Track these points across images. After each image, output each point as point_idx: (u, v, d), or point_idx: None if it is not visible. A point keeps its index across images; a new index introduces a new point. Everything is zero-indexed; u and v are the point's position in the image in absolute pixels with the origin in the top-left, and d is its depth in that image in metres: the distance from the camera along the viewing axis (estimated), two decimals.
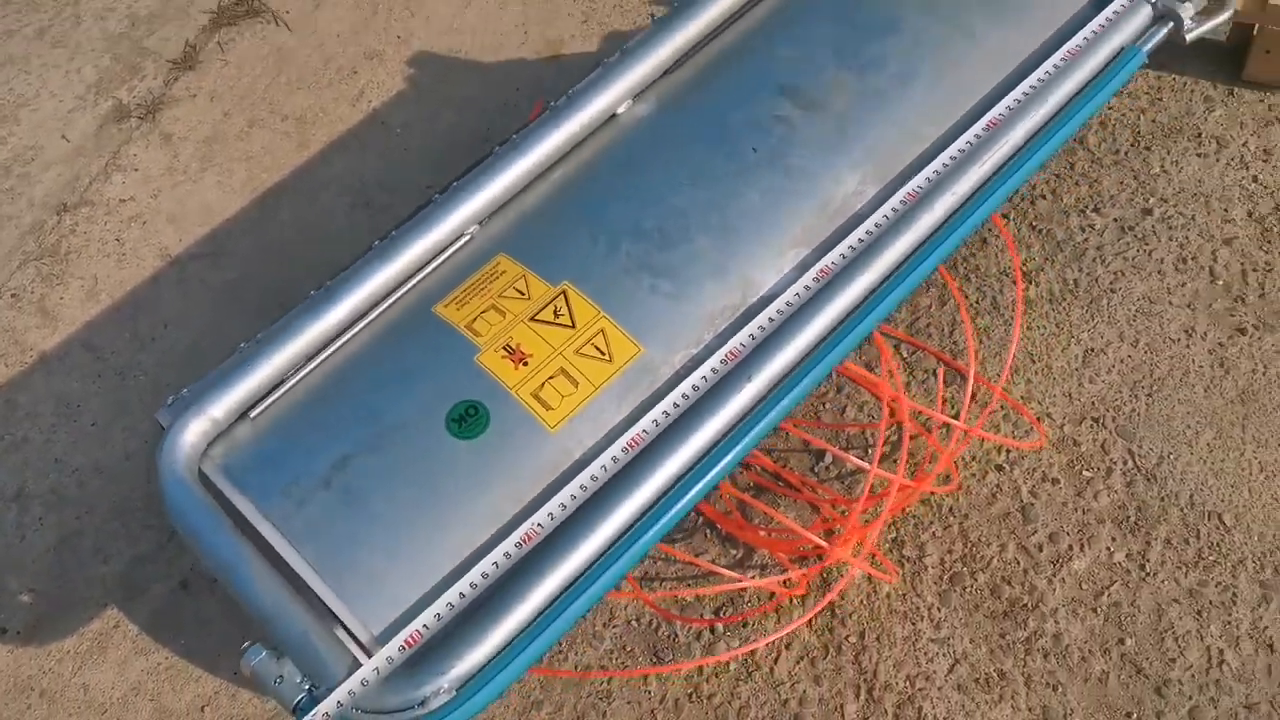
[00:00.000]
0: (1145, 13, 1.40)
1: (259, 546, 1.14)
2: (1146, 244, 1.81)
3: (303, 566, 1.10)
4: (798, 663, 1.54)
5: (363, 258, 1.31)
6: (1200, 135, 1.91)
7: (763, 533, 1.63)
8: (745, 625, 1.58)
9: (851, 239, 1.26)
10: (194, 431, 1.22)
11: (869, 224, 1.28)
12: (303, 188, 2.15)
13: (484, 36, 2.32)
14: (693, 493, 1.13)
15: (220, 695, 1.62)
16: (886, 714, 1.48)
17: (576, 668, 1.57)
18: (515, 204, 1.38)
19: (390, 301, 1.30)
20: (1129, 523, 1.58)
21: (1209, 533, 1.56)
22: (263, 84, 2.31)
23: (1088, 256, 1.82)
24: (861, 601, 1.57)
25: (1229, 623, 1.49)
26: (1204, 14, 1.43)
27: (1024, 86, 1.35)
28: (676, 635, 1.59)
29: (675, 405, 1.17)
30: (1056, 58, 1.36)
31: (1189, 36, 1.40)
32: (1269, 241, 1.78)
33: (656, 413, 1.17)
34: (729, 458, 1.14)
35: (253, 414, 1.25)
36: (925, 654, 1.52)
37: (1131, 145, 1.93)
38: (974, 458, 1.66)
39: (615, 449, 1.14)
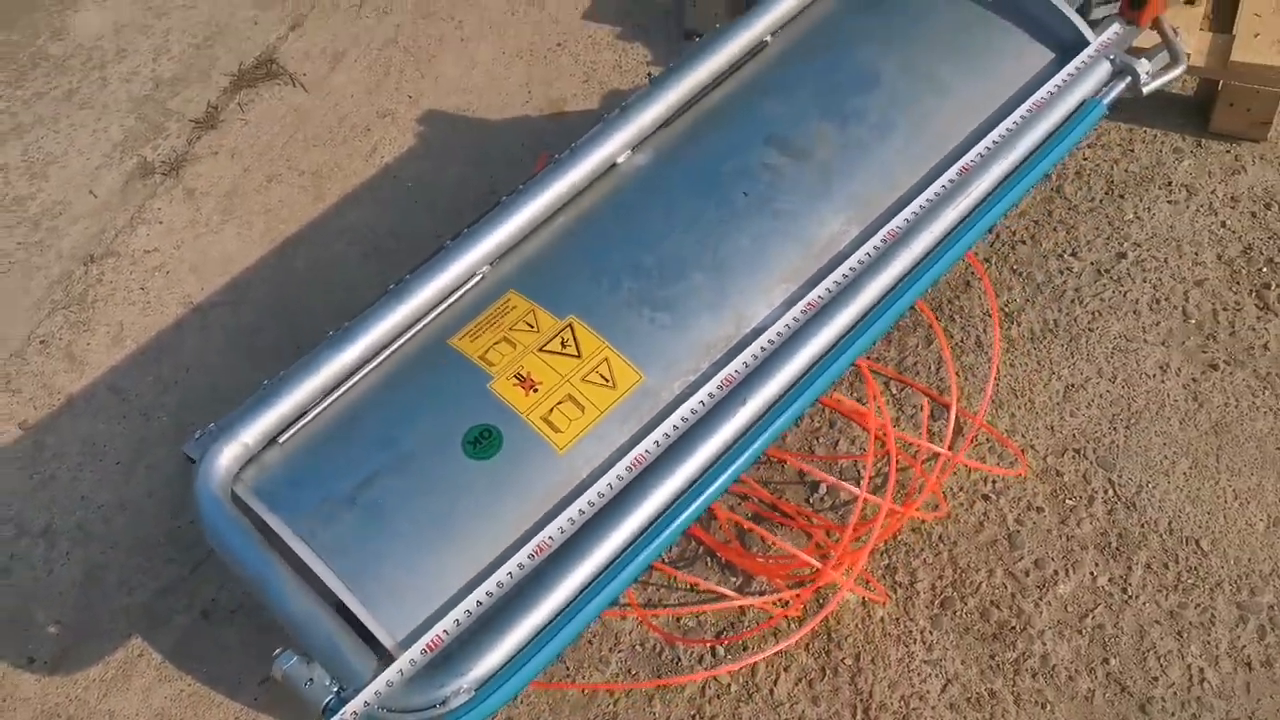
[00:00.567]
0: (1104, 69, 1.51)
1: (289, 561, 1.22)
2: (1122, 285, 1.91)
3: (331, 578, 1.18)
4: (796, 684, 1.60)
5: (381, 298, 1.41)
6: (1171, 184, 2.02)
7: (760, 559, 1.71)
8: (745, 648, 1.65)
9: (836, 275, 1.36)
10: (227, 456, 1.30)
11: (852, 261, 1.38)
12: (318, 238, 2.25)
13: (490, 96, 2.44)
14: (693, 507, 1.21)
15: (242, 718, 1.68)
16: None
17: (584, 692, 1.63)
18: (524, 246, 1.48)
19: (408, 336, 1.40)
20: (1111, 548, 1.65)
21: (1187, 557, 1.63)
22: (280, 141, 2.43)
23: (1066, 297, 1.91)
24: (857, 625, 1.64)
25: (1208, 642, 1.56)
26: (1159, 69, 1.55)
27: (993, 135, 1.45)
28: (679, 659, 1.66)
29: (675, 427, 1.26)
30: (1023, 109, 1.47)
31: (1145, 89, 1.51)
32: (1238, 283, 1.88)
33: (658, 434, 1.26)
34: (727, 474, 1.23)
35: (281, 439, 1.33)
36: (919, 675, 1.59)
37: (1106, 194, 2.03)
38: (961, 488, 1.74)
39: (620, 468, 1.23)
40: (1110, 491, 1.71)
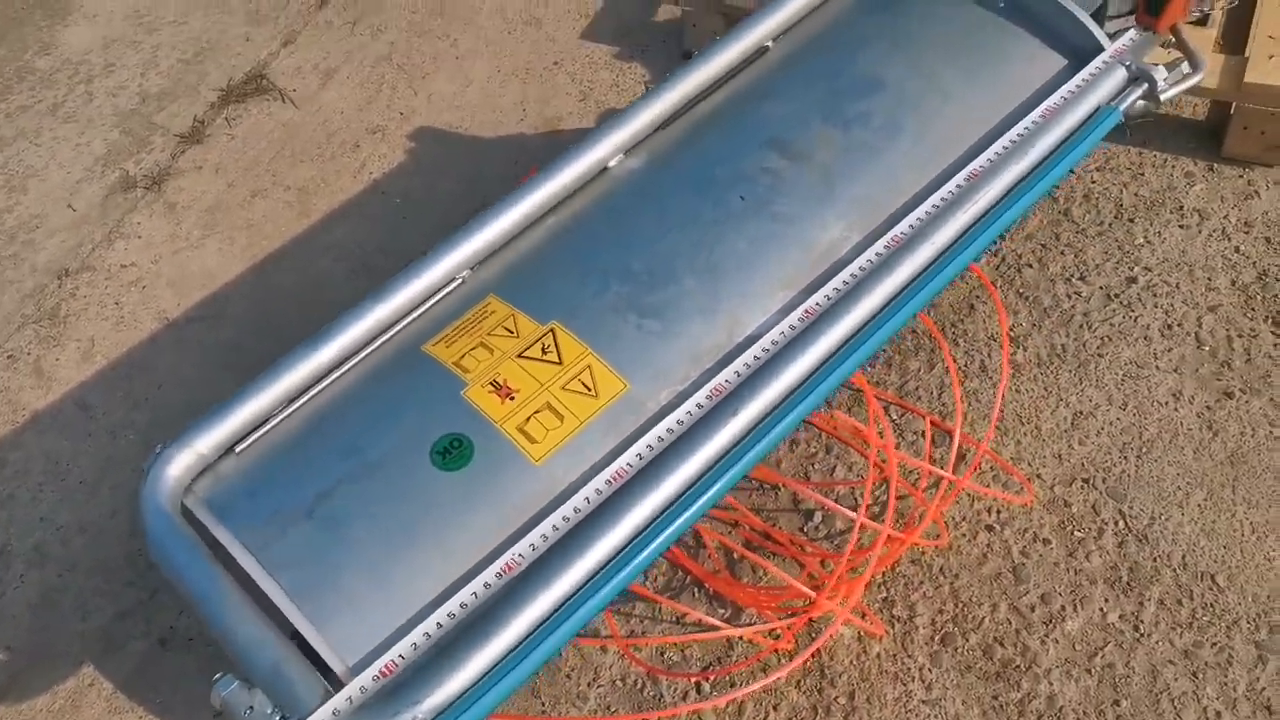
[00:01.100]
0: (1120, 75, 1.44)
1: (238, 578, 1.13)
2: (1132, 311, 1.83)
3: (278, 594, 1.09)
4: None
5: (356, 302, 1.33)
6: (1183, 208, 1.95)
7: (749, 589, 1.61)
8: (733, 684, 1.55)
9: (836, 281, 1.28)
10: (178, 465, 1.22)
11: (853, 268, 1.30)
12: (303, 253, 2.18)
13: (484, 114, 2.38)
14: (676, 525, 1.12)
15: None
16: None
17: None
18: (507, 251, 1.41)
19: (380, 342, 1.31)
20: (1121, 583, 1.56)
21: (1202, 593, 1.54)
22: (267, 156, 2.36)
23: (1074, 322, 1.83)
24: (851, 662, 1.54)
25: (1225, 684, 1.46)
26: (1177, 78, 1.48)
27: (1004, 141, 1.38)
28: (662, 695, 1.56)
29: (660, 439, 1.17)
30: (1035, 114, 1.40)
31: (1163, 96, 1.44)
32: (1253, 309, 1.80)
33: (640, 446, 1.17)
34: (713, 491, 1.14)
35: (239, 448, 1.25)
36: (916, 716, 1.49)
37: (1115, 217, 1.96)
38: (964, 518, 1.65)
39: (598, 482, 1.14)
40: (1121, 523, 1.61)
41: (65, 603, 1.77)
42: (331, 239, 2.20)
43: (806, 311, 1.26)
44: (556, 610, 1.07)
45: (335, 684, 1.07)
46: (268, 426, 1.25)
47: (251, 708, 1.05)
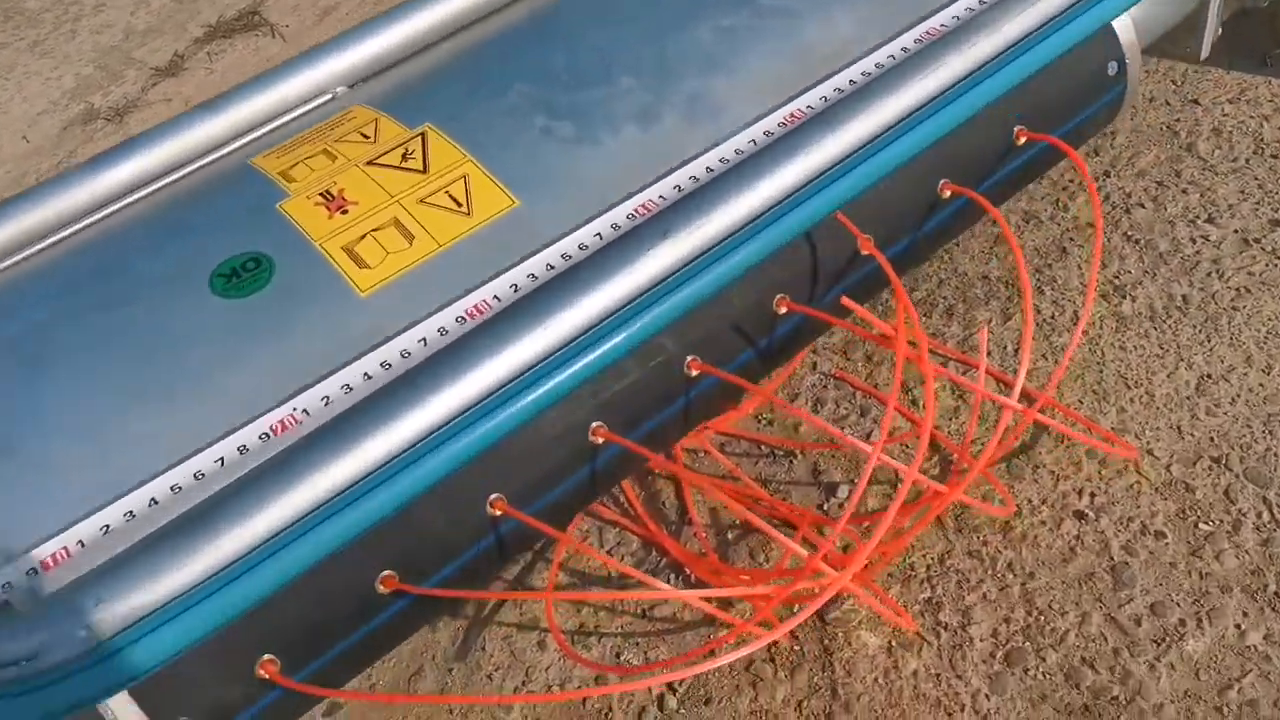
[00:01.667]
0: None
1: None
2: (1277, 258, 1.39)
3: None
4: None
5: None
6: None
7: (745, 577, 1.19)
8: (708, 700, 1.12)
9: (838, 80, 0.89)
10: None
11: (858, 69, 0.90)
12: None
13: None
14: (550, 384, 0.73)
15: None
16: None
17: None
18: (406, 65, 1.05)
19: (202, 163, 0.96)
20: (1266, 593, 1.10)
21: None
22: None
23: (1200, 270, 1.40)
24: (876, 680, 1.10)
25: None
26: None
27: None
28: (611, 710, 1.13)
29: (549, 267, 0.79)
30: None
31: None
32: None
33: (518, 274, 0.78)
34: (620, 339, 0.74)
35: None
36: None
37: (1254, 153, 1.53)
38: (1044, 500, 1.21)
39: (445, 317, 0.75)
40: (1266, 515, 1.16)
41: None
42: None
43: (791, 116, 0.87)
44: (342, 493, 0.68)
45: None
46: (24, 254, 0.90)
47: None
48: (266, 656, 0.84)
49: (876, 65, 0.93)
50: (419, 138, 0.88)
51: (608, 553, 1.25)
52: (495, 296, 0.78)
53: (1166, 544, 1.15)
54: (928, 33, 0.95)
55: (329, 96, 1.01)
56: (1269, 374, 1.27)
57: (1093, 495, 1.21)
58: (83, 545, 0.68)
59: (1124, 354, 1.33)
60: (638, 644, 1.17)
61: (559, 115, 0.89)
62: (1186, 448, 1.23)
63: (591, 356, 0.75)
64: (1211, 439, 1.23)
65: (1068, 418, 1.27)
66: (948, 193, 1.07)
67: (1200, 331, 1.33)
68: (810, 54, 0.96)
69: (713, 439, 1.32)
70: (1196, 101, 1.63)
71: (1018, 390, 1.00)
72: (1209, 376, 1.29)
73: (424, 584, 0.90)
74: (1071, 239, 1.47)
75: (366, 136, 0.89)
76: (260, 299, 0.78)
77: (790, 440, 1.31)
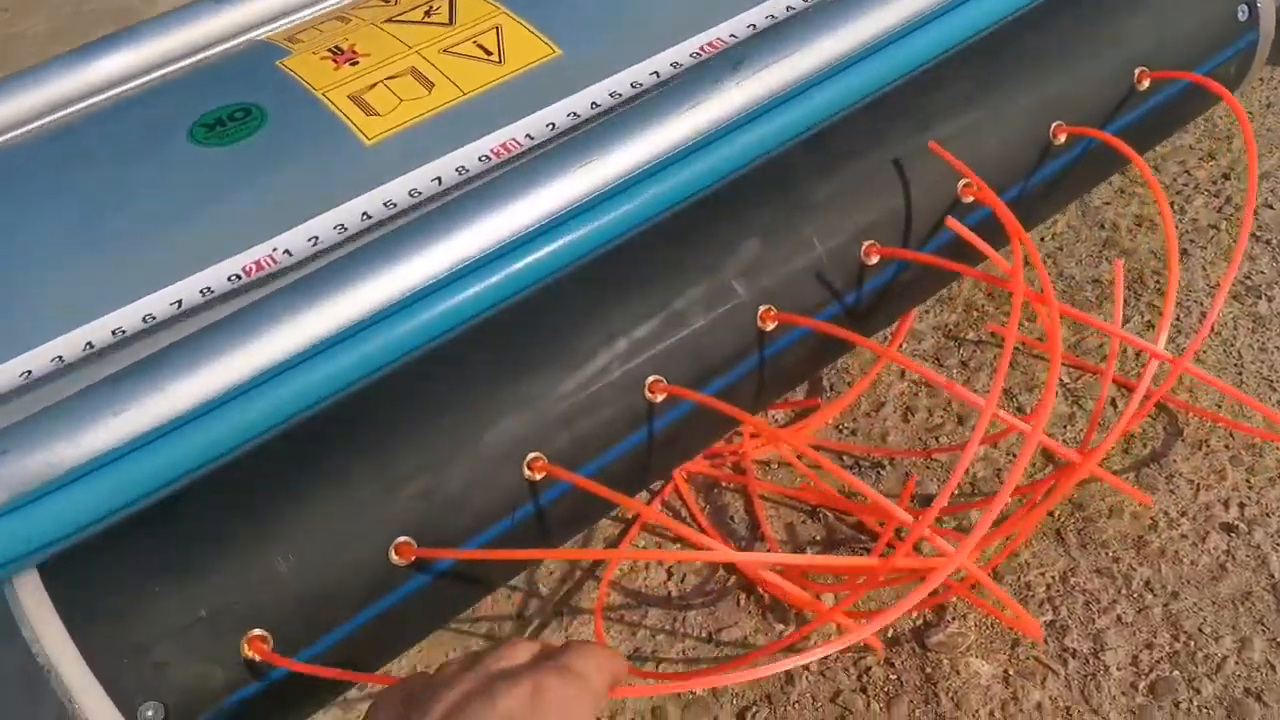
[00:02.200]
0: None
1: None
2: None
3: None
4: None
5: None
6: None
7: (825, 593, 1.02)
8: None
9: None
10: None
11: None
12: None
13: None
14: (590, 229, 0.58)
15: None
16: None
17: None
18: None
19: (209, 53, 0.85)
20: None
21: None
22: None
23: None
24: (991, 713, 0.91)
25: None
26: None
27: None
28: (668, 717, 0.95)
29: (593, 105, 0.65)
30: None
31: None
32: None
33: (555, 111, 0.65)
34: (680, 178, 0.60)
35: None
36: None
37: None
38: (1183, 512, 1.03)
39: (465, 154, 0.62)
40: None
41: None
42: None
43: None
44: (320, 347, 0.54)
45: None
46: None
47: None
48: (256, 632, 0.70)
49: None
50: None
51: (667, 571, 1.08)
52: (528, 134, 0.65)
53: None
54: None
55: None
56: None
57: (1242, 506, 1.02)
58: (29, 375, 0.55)
59: (1264, 355, 1.16)
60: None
61: None
62: None
63: (642, 200, 0.61)
64: None
65: (1207, 420, 1.09)
66: (1062, 137, 0.93)
67: None
68: None
69: (789, 449, 1.16)
70: None
71: (1161, 339, 0.84)
72: None
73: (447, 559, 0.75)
74: (1192, 240, 1.31)
75: (386, 1, 0.78)
76: (245, 147, 0.66)
77: (879, 449, 1.15)
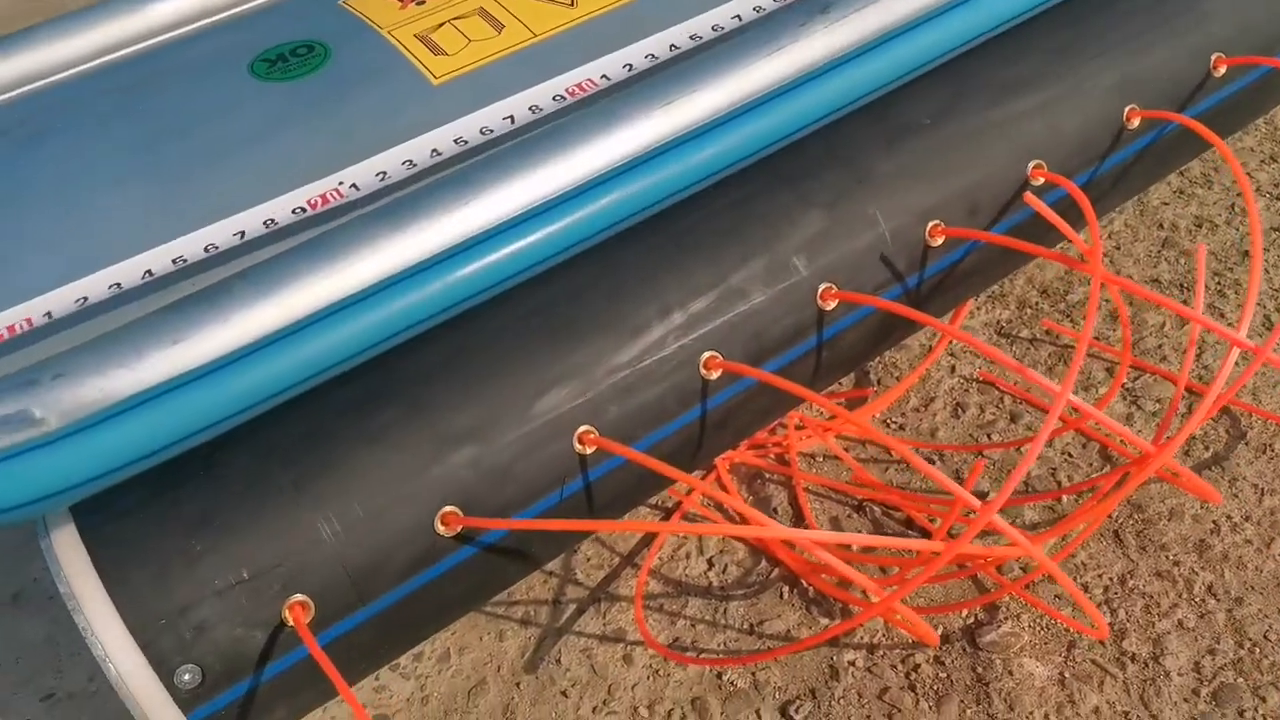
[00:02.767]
0: None
1: None
2: None
3: None
4: None
5: None
6: None
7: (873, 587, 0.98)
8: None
9: None
10: None
11: None
12: None
13: None
14: (669, 172, 0.56)
15: None
16: None
17: None
18: None
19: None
20: None
21: None
22: None
23: None
24: (1047, 717, 0.88)
25: None
26: None
27: None
28: None
29: (672, 48, 0.63)
30: None
31: None
32: None
33: (633, 53, 0.62)
34: (765, 123, 0.58)
35: None
36: None
37: None
38: (1246, 516, 0.99)
39: (538, 93, 0.60)
40: None
41: None
42: None
43: None
44: (385, 283, 0.52)
45: None
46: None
47: None
48: (297, 598, 0.68)
49: None
50: None
51: (708, 561, 1.06)
52: (604, 75, 0.63)
53: None
54: None
55: None
56: None
57: None
58: (50, 318, 0.53)
59: None
60: (743, 664, 0.97)
61: None
62: None
63: (722, 146, 0.58)
64: None
65: (1273, 423, 1.06)
66: (1135, 121, 0.90)
67: None
68: None
69: (835, 440, 1.13)
70: None
71: (1243, 328, 0.80)
72: None
73: (492, 530, 0.73)
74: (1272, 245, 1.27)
75: None
76: (308, 82, 0.64)
77: (928, 444, 1.11)
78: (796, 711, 0.92)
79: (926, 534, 1.02)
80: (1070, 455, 1.07)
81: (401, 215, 0.54)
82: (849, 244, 0.82)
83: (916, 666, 0.93)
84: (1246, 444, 1.05)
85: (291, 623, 0.67)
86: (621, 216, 0.61)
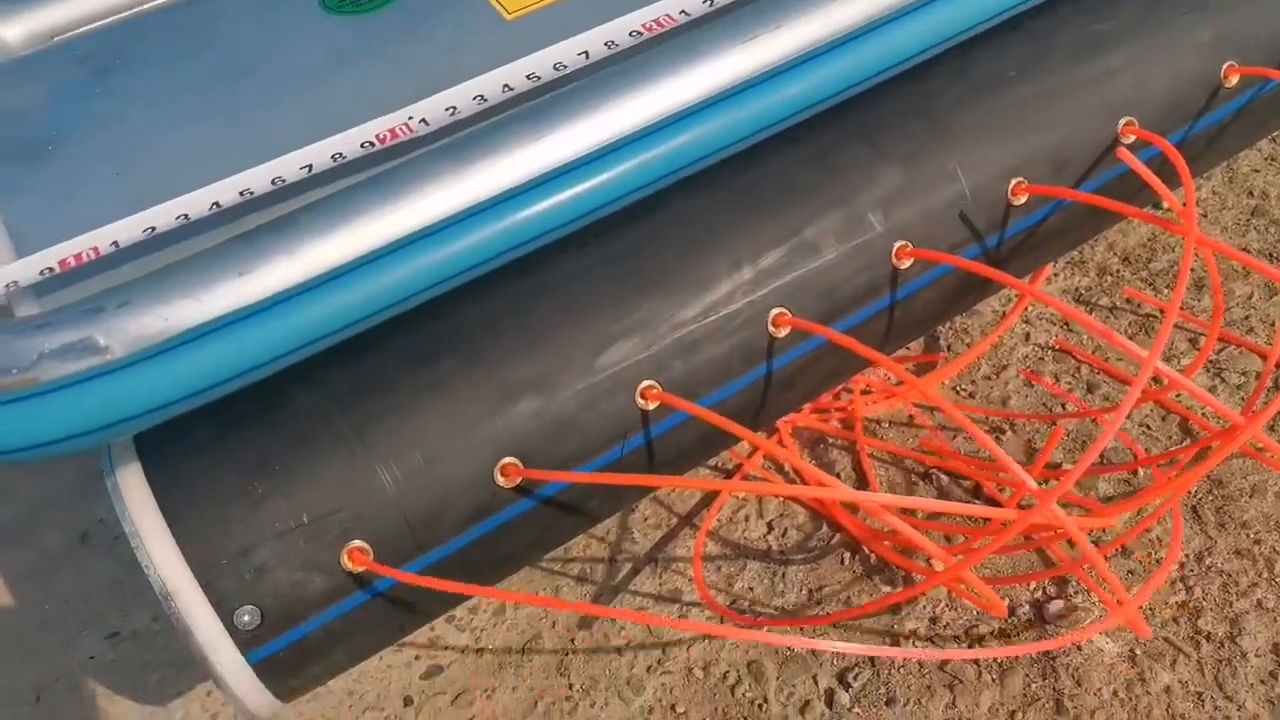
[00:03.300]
0: None
1: None
2: None
3: None
4: None
5: None
6: None
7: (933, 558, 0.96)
8: (890, 701, 0.88)
9: None
10: None
11: None
12: None
13: None
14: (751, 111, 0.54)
15: (60, 686, 1.06)
16: None
17: None
18: None
19: None
20: None
21: None
22: None
23: None
24: (1113, 693, 0.85)
25: None
26: None
27: None
28: (767, 701, 0.91)
29: None
30: None
31: None
32: None
33: None
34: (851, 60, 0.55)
35: None
36: None
37: None
38: None
39: (614, 29, 0.58)
40: None
41: None
42: None
43: None
44: (458, 218, 0.51)
45: None
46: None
47: None
48: (356, 543, 0.67)
49: None
50: None
51: (768, 525, 1.04)
52: (683, 10, 0.60)
53: None
54: None
55: None
56: None
57: None
58: (116, 247, 0.53)
59: None
60: (800, 629, 0.96)
61: None
62: None
63: (806, 85, 0.56)
64: None
65: None
66: (1234, 79, 0.86)
67: None
68: None
69: (900, 410, 1.10)
70: None
71: None
72: None
73: (552, 482, 0.72)
74: None
75: None
76: (379, 16, 0.63)
77: (1000, 412, 1.08)
78: (855, 678, 0.90)
79: (995, 504, 0.99)
80: (1148, 428, 1.04)
81: (471, 151, 0.53)
82: (927, 200, 0.79)
83: (980, 638, 0.91)
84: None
85: (351, 566, 0.67)
86: (694, 158, 0.59)
